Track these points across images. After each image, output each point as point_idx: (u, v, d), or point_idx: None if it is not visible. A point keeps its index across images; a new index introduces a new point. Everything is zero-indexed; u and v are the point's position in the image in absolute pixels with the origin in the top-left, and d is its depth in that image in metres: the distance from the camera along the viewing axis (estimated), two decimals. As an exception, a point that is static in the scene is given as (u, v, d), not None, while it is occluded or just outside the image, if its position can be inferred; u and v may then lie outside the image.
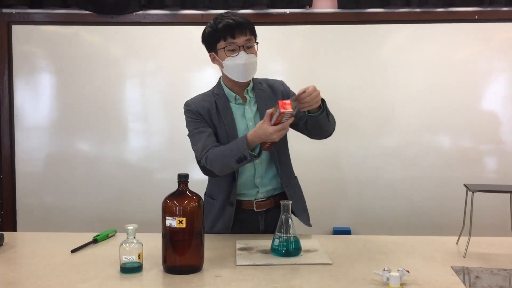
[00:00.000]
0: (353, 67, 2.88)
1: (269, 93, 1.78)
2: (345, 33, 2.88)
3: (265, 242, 1.56)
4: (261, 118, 1.71)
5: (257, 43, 1.70)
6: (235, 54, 1.65)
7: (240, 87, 1.75)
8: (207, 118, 1.72)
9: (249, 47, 1.67)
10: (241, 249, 1.53)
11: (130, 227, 1.35)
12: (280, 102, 1.40)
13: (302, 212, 1.80)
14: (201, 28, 1.74)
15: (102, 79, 2.91)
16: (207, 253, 1.39)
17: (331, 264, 1.40)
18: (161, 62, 2.91)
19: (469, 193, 1.49)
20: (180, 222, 1.29)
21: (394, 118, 2.88)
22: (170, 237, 1.32)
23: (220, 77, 1.80)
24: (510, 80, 2.86)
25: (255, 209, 1.75)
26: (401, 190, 2.88)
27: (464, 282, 1.26)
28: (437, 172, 2.86)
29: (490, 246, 1.59)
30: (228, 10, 1.77)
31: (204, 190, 1.84)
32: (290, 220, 1.48)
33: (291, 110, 1.39)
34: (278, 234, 1.48)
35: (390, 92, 2.87)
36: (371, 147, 2.88)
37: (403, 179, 2.88)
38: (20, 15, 2.89)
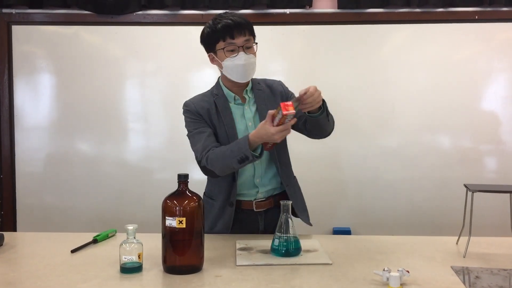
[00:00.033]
0: (353, 67, 2.88)
1: (268, 93, 1.79)
2: (345, 33, 2.88)
3: (265, 242, 1.56)
4: (261, 118, 1.72)
5: (256, 43, 1.70)
6: (234, 55, 1.65)
7: (239, 88, 1.75)
8: (207, 118, 1.72)
9: (248, 48, 1.67)
10: (241, 249, 1.53)
11: (130, 227, 1.35)
12: (282, 104, 1.40)
13: (302, 212, 1.80)
14: (201, 28, 1.73)
15: (102, 79, 2.91)
16: (207, 253, 1.39)
17: (331, 264, 1.40)
18: (161, 62, 2.91)
19: (469, 193, 1.49)
20: (180, 222, 1.29)
21: (394, 118, 2.88)
22: (170, 237, 1.32)
23: (219, 77, 1.80)
24: (510, 80, 2.86)
25: (255, 209, 1.75)
26: (401, 190, 2.88)
27: (464, 282, 1.26)
28: (437, 172, 2.87)
29: (490, 246, 1.59)
30: (227, 11, 1.77)
31: (203, 191, 1.84)
32: (290, 220, 1.48)
33: (294, 111, 1.40)
34: (278, 234, 1.48)
35: (390, 92, 2.87)
36: (371, 147, 2.88)
37: (403, 179, 2.88)
38: (20, 15, 2.89)
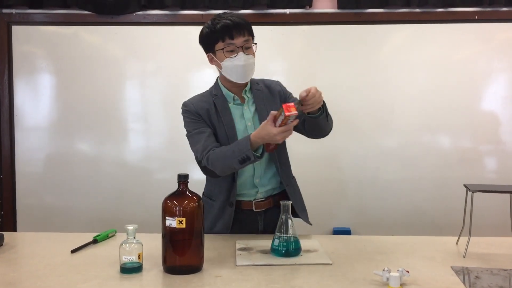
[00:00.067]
0: (353, 67, 2.88)
1: (267, 93, 1.79)
2: (345, 33, 2.88)
3: (265, 242, 1.56)
4: (260, 118, 1.72)
5: (255, 43, 1.70)
6: (233, 55, 1.65)
7: (238, 88, 1.75)
8: (206, 118, 1.71)
9: (247, 48, 1.67)
10: (241, 249, 1.53)
11: (130, 227, 1.35)
12: (284, 105, 1.40)
13: (302, 211, 1.81)
14: (201, 29, 1.73)
15: (102, 79, 2.91)
16: (207, 253, 1.39)
17: (331, 264, 1.40)
18: (161, 62, 2.92)
19: (469, 193, 1.49)
20: (180, 222, 1.29)
21: (394, 118, 2.88)
22: (170, 237, 1.32)
23: (218, 77, 1.80)
24: (510, 80, 2.86)
25: (254, 209, 1.75)
26: (401, 190, 2.88)
27: (464, 282, 1.26)
28: (437, 172, 2.86)
29: (490, 246, 1.59)
30: (226, 11, 1.77)
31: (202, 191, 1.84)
32: (290, 221, 1.48)
33: (296, 112, 1.40)
34: (278, 234, 1.48)
35: (390, 92, 2.87)
36: (371, 147, 2.88)
37: (403, 179, 2.88)
38: (20, 15, 2.89)
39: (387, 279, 1.21)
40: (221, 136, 1.70)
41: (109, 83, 2.92)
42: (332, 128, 1.74)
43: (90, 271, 1.35)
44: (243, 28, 1.64)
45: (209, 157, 1.61)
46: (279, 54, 2.91)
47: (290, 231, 1.47)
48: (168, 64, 2.91)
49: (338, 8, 2.86)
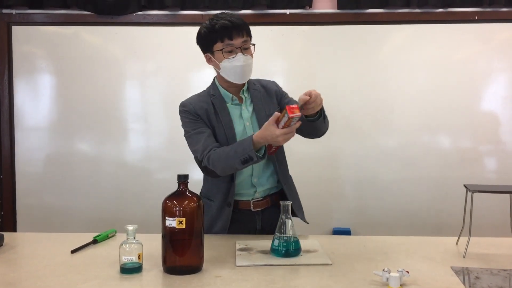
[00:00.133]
0: (353, 67, 2.88)
1: (263, 93, 1.79)
2: (345, 33, 2.88)
3: (265, 243, 1.56)
4: (258, 118, 1.73)
5: (254, 44, 1.70)
6: (232, 56, 1.65)
7: (235, 88, 1.75)
8: (205, 118, 1.71)
9: (246, 49, 1.67)
10: (241, 249, 1.53)
11: (130, 228, 1.35)
12: (288, 107, 1.41)
13: (298, 209, 1.81)
14: (201, 29, 1.73)
15: (102, 79, 2.91)
16: (207, 253, 1.39)
17: (331, 264, 1.40)
18: (161, 62, 2.92)
19: (469, 194, 1.49)
20: (180, 222, 1.29)
21: (394, 118, 2.88)
22: (170, 238, 1.32)
23: (215, 77, 1.80)
24: (510, 80, 2.86)
25: (252, 209, 1.75)
26: (401, 190, 2.88)
27: (464, 283, 1.26)
28: (437, 173, 2.86)
29: (490, 246, 1.59)
30: (224, 11, 1.76)
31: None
32: (290, 221, 1.48)
33: (300, 114, 1.41)
34: (278, 234, 1.48)
35: (390, 92, 2.87)
36: (371, 147, 2.88)
37: (403, 180, 2.88)
38: (20, 16, 2.89)
39: (387, 279, 1.21)
40: (220, 136, 1.70)
41: (109, 83, 2.92)
42: (329, 129, 1.74)
43: (90, 271, 1.35)
44: (242, 29, 1.64)
45: (210, 157, 1.61)
46: (279, 54, 2.91)
47: (290, 231, 1.47)
48: (168, 64, 2.91)
49: (338, 8, 2.86)
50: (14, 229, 2.92)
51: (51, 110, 2.94)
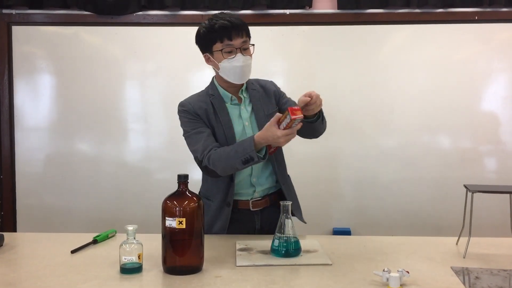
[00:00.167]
0: (353, 67, 2.88)
1: (262, 93, 1.80)
2: (345, 33, 2.88)
3: (265, 243, 1.56)
4: (256, 118, 1.73)
5: (253, 44, 1.70)
6: (232, 56, 1.65)
7: (234, 88, 1.75)
8: (205, 118, 1.71)
9: (245, 49, 1.67)
10: (241, 249, 1.53)
11: (130, 228, 1.35)
12: (290, 108, 1.41)
13: (296, 209, 1.81)
14: (201, 29, 1.73)
15: (102, 79, 2.91)
16: (207, 253, 1.39)
17: (331, 264, 1.40)
18: (161, 62, 2.92)
19: (469, 194, 1.49)
20: (180, 222, 1.29)
21: (394, 118, 2.88)
22: (170, 238, 1.32)
23: (213, 77, 1.80)
24: (510, 80, 2.86)
25: (251, 209, 1.75)
26: (401, 190, 2.88)
27: (464, 283, 1.26)
28: (437, 173, 2.87)
29: (490, 246, 1.59)
30: (223, 11, 1.76)
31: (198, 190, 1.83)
32: (290, 221, 1.48)
33: (302, 116, 1.42)
34: (278, 234, 1.48)
35: (390, 92, 2.87)
36: (371, 148, 2.88)
37: (403, 180, 2.88)
38: (20, 16, 2.89)
39: (387, 279, 1.21)
40: (219, 136, 1.70)
41: (109, 83, 2.92)
42: (328, 129, 1.75)
43: (90, 272, 1.35)
44: (241, 29, 1.64)
45: (211, 157, 1.61)
46: (279, 54, 2.91)
47: (290, 231, 1.47)
48: (168, 64, 2.91)
49: (338, 9, 2.86)
50: (14, 229, 2.92)
51: (51, 110, 2.94)
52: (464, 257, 1.47)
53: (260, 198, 1.76)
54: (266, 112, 1.75)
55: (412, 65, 2.86)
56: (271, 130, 1.49)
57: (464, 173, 2.85)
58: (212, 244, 1.55)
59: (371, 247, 1.57)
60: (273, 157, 1.74)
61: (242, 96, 1.76)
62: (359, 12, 2.85)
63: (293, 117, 1.40)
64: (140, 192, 2.91)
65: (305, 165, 2.81)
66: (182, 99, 1.77)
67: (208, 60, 1.72)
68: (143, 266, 1.35)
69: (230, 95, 1.74)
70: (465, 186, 1.53)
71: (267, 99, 1.79)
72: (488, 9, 2.81)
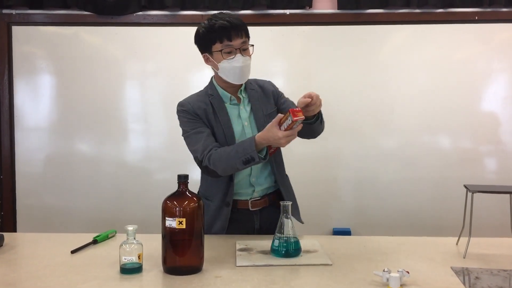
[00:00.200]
0: (353, 67, 2.88)
1: (260, 93, 1.80)
2: (345, 33, 2.88)
3: (265, 243, 1.56)
4: (255, 117, 1.74)
5: (252, 45, 1.70)
6: (231, 57, 1.65)
7: (233, 88, 1.75)
8: (204, 118, 1.71)
9: (244, 49, 1.67)
10: (241, 249, 1.53)
11: (130, 228, 1.35)
12: (291, 110, 1.41)
13: (294, 209, 1.81)
14: (201, 29, 1.73)
15: (102, 79, 2.91)
16: (207, 253, 1.39)
17: (331, 265, 1.40)
18: (161, 62, 2.92)
19: (469, 194, 1.49)
20: (180, 223, 1.29)
21: (393, 118, 2.88)
22: (170, 238, 1.32)
23: (212, 77, 1.80)
24: (510, 80, 2.86)
25: (251, 208, 1.75)
26: (401, 190, 2.88)
27: (464, 283, 1.26)
28: (437, 173, 2.86)
29: (490, 246, 1.59)
30: (222, 11, 1.76)
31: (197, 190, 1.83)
32: (289, 221, 1.48)
33: (303, 117, 1.42)
34: (278, 235, 1.48)
35: (390, 92, 2.87)
36: (371, 148, 2.88)
37: (403, 180, 2.88)
38: (20, 16, 2.89)
39: (387, 279, 1.21)
40: (218, 136, 1.70)
41: (109, 83, 2.92)
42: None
43: (90, 272, 1.35)
44: (241, 30, 1.64)
45: (211, 157, 1.61)
46: (279, 54, 2.91)
47: (290, 231, 1.47)
48: (168, 64, 2.91)
49: (338, 9, 2.86)
50: (14, 230, 2.92)
51: (51, 110, 2.94)
52: (464, 257, 1.47)
53: (259, 198, 1.76)
54: (265, 112, 1.75)
55: (412, 65, 2.86)
56: (272, 131, 1.49)
57: (464, 173, 2.84)
58: (212, 244, 1.55)
59: (371, 247, 1.58)
60: (272, 157, 1.74)
61: (241, 96, 1.77)
62: (359, 12, 2.85)
63: (295, 118, 1.40)
64: (140, 192, 2.91)
65: (305, 165, 2.81)
66: (182, 99, 1.77)
67: (207, 60, 1.72)
68: (143, 266, 1.35)
69: (229, 95, 1.75)
70: (465, 186, 1.53)
71: (265, 99, 1.79)
72: (488, 9, 2.81)
